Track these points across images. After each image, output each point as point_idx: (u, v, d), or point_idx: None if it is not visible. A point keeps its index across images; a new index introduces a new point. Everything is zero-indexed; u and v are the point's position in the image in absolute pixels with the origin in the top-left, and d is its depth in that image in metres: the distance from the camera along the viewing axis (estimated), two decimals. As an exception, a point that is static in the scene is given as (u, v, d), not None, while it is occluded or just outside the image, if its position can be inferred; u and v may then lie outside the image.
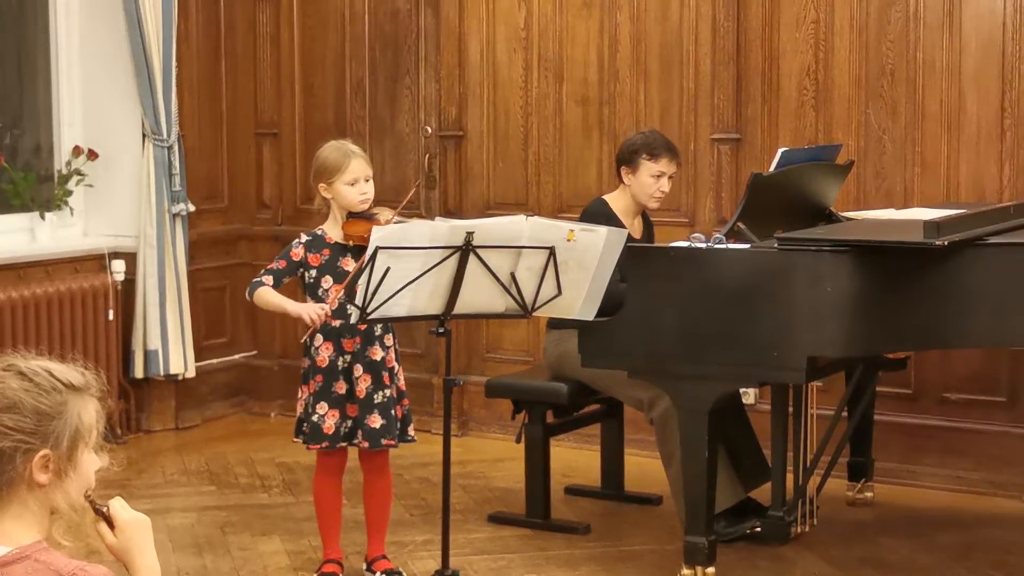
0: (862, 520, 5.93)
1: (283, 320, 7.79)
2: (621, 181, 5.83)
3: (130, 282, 7.24)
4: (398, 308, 4.52)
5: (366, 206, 5.08)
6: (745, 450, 5.72)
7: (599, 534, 5.78)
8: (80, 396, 2.47)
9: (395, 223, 4.85)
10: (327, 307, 4.96)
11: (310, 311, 4.94)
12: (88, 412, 2.48)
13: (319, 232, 5.11)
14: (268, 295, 5.05)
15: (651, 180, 5.76)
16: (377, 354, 5.08)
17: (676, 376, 4.96)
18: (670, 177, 5.81)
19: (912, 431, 6.40)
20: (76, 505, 2.49)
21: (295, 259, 5.08)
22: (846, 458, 6.04)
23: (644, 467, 6.34)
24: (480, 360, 7.37)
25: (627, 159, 5.79)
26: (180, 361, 7.33)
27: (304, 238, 5.11)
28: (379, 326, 5.03)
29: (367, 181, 5.09)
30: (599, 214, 5.70)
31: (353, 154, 5.09)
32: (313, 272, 5.07)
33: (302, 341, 5.11)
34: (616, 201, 5.85)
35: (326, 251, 5.07)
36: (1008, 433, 6.25)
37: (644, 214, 5.97)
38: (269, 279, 5.06)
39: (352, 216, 5.06)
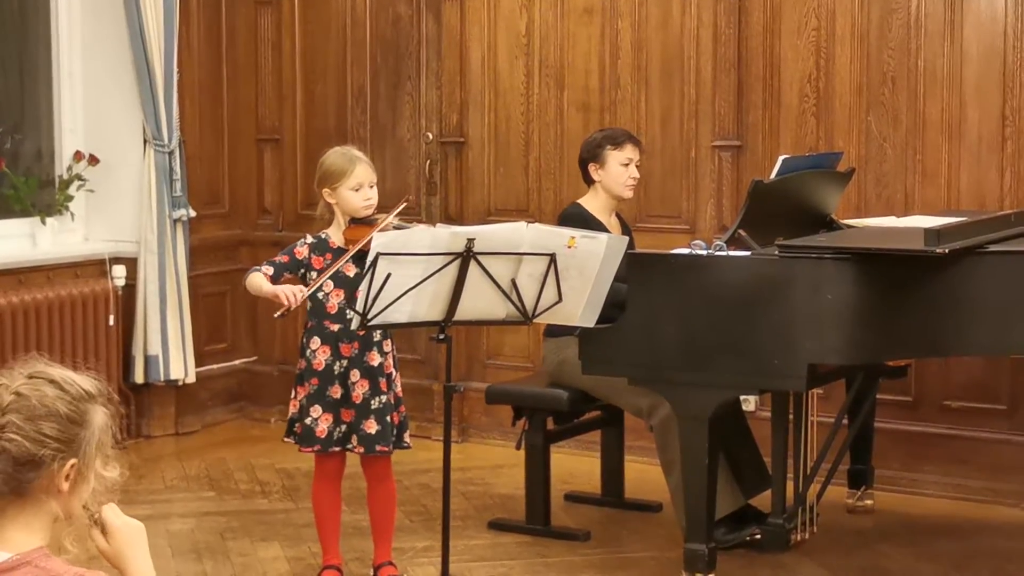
0: (862, 528, 5.93)
1: (283, 326, 7.80)
2: (591, 182, 5.90)
3: (131, 287, 7.25)
4: (399, 315, 4.52)
5: (370, 211, 5.09)
6: (745, 457, 5.71)
7: (599, 541, 5.78)
8: (96, 405, 2.49)
9: (393, 228, 4.87)
10: (306, 291, 4.93)
11: (286, 291, 4.92)
12: (103, 421, 2.50)
13: (323, 236, 5.13)
14: (256, 279, 5.03)
15: (621, 169, 5.85)
16: (375, 359, 5.08)
17: (676, 383, 4.96)
18: (637, 164, 5.89)
19: (912, 439, 6.40)
20: (74, 512, 2.50)
21: (298, 257, 5.09)
22: (846, 466, 6.04)
23: (644, 474, 6.33)
24: (481, 367, 7.37)
25: (593, 155, 5.88)
26: (180, 366, 7.33)
27: (309, 239, 5.12)
28: (377, 332, 5.04)
29: (371, 187, 5.10)
30: (576, 217, 5.75)
31: (358, 160, 5.10)
32: (314, 274, 5.07)
33: (275, 316, 5.02)
34: (590, 202, 5.90)
35: (329, 255, 5.08)
36: (1008, 441, 6.24)
37: (618, 214, 6.01)
38: (269, 270, 5.05)
39: (355, 222, 5.07)
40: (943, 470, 6.34)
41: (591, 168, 5.88)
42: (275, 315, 5.03)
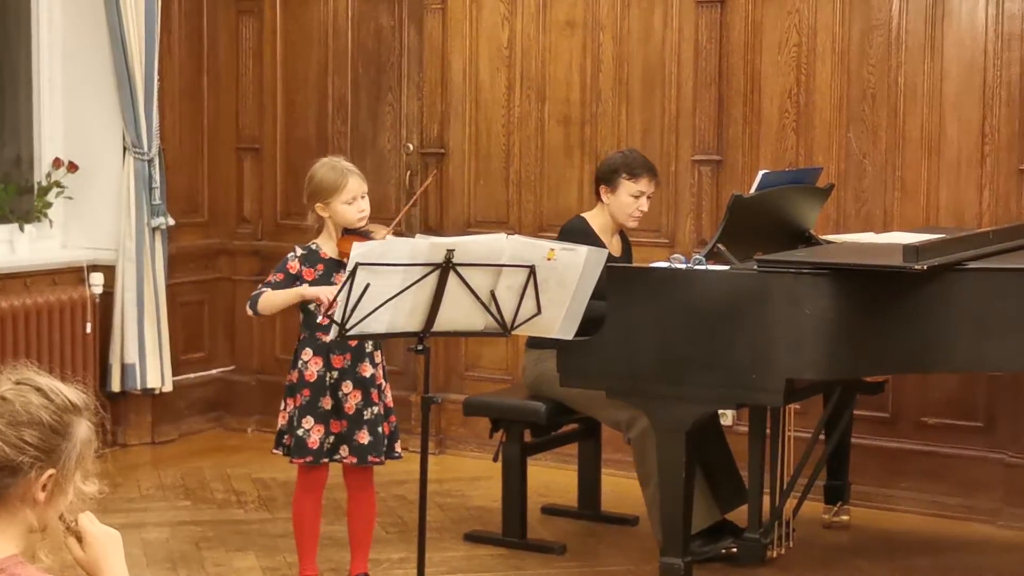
0: (838, 543, 5.93)
1: (261, 335, 7.79)
2: (600, 199, 5.85)
3: (108, 295, 7.22)
4: (377, 325, 4.51)
5: (364, 223, 5.08)
6: (722, 471, 5.71)
7: (575, 554, 5.77)
8: (80, 418, 2.48)
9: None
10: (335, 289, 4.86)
11: (324, 291, 4.89)
12: (86, 434, 2.48)
13: (313, 246, 5.10)
14: (274, 296, 5.01)
15: (630, 200, 5.76)
16: (367, 370, 5.07)
17: (654, 397, 4.96)
18: (649, 197, 5.81)
19: (889, 455, 6.41)
20: (49, 524, 2.48)
21: (291, 272, 5.06)
22: (823, 481, 6.04)
23: (621, 487, 6.33)
24: (459, 378, 7.37)
25: (606, 178, 5.80)
26: (157, 375, 7.30)
27: (299, 251, 5.10)
28: (369, 343, 5.03)
29: (363, 198, 5.09)
30: (578, 231, 5.71)
31: (349, 172, 5.09)
32: (307, 286, 5.05)
33: (321, 321, 4.94)
34: (595, 219, 5.86)
35: (320, 266, 5.06)
36: (984, 458, 6.26)
37: (622, 232, 5.98)
38: (268, 291, 5.04)
39: (348, 232, 5.06)
40: (919, 486, 6.35)
41: (602, 189, 5.81)
42: (320, 319, 4.92)
